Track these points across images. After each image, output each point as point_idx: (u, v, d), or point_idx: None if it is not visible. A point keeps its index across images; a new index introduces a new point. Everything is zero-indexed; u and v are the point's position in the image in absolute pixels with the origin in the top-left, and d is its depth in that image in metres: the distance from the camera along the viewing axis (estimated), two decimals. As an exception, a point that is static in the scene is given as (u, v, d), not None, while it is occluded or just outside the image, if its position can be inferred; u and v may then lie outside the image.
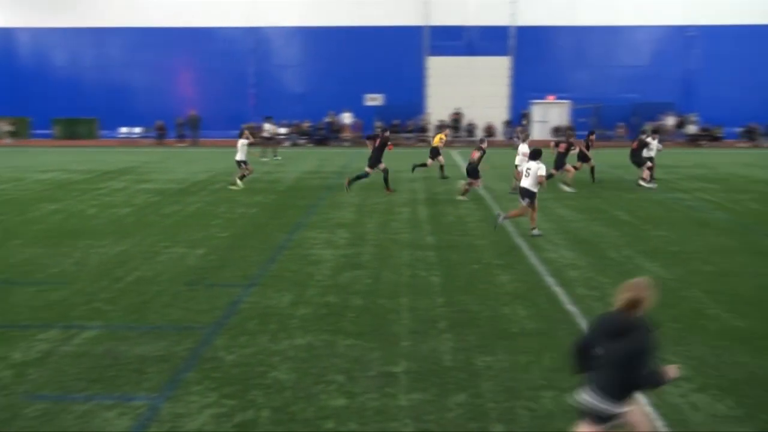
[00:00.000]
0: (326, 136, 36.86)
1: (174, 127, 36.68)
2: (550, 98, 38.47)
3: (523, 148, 16.34)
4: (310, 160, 27.11)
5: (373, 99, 38.51)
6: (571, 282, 9.02)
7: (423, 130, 36.63)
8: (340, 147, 35.36)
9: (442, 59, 37.79)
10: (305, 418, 5.26)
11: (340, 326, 7.29)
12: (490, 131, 36.70)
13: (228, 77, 38.27)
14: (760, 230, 12.51)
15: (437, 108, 37.49)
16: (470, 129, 37.50)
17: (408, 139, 36.89)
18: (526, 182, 12.09)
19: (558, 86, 38.10)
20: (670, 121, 36.53)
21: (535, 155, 12.18)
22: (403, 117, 37.33)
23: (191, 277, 9.29)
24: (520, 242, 11.50)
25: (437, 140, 20.77)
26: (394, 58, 37.62)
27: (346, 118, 37.37)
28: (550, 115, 38.61)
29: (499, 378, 5.95)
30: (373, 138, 18.38)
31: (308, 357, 6.43)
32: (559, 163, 18.00)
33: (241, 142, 18.70)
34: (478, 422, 5.17)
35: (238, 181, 18.47)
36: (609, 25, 37.64)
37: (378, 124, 36.32)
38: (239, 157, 18.62)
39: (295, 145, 35.60)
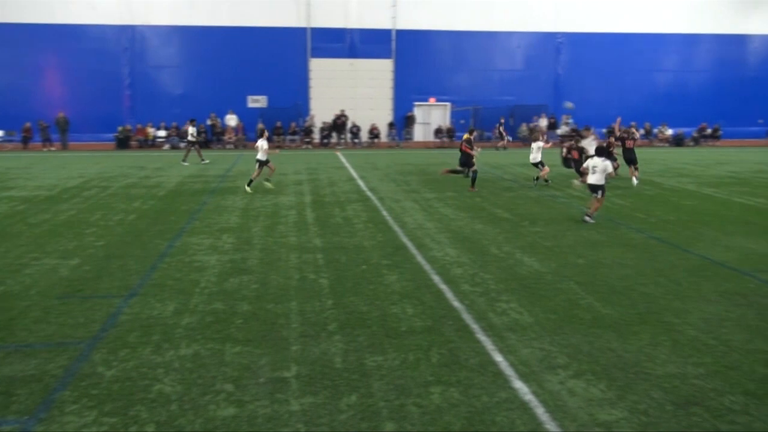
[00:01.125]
0: (208, 138, 35.85)
1: (38, 131, 34.30)
2: (432, 100, 39.51)
3: (537, 145, 19.83)
4: (192, 164, 26.27)
5: (256, 101, 37.92)
6: (455, 279, 9.30)
7: (307, 132, 36.51)
8: (223, 150, 34.54)
9: (325, 61, 37.85)
10: (193, 430, 5.09)
11: (227, 334, 7.12)
12: (374, 133, 37.19)
13: (100, 78, 36.28)
14: (626, 224, 13.46)
15: (321, 110, 37.50)
16: (354, 131, 37.79)
17: (293, 141, 36.67)
18: (593, 178, 13.50)
19: (439, 89, 39.23)
20: (544, 122, 38.59)
21: (601, 152, 13.61)
22: (287, 119, 37.07)
23: (64, 290, 8.75)
24: (407, 242, 11.73)
25: None
26: (277, 59, 37.23)
27: (230, 120, 36.55)
28: (432, 116, 39.66)
29: (390, 377, 6.03)
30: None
31: (195, 367, 6.24)
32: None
33: (261, 143, 18.23)
34: (369, 422, 5.23)
35: (267, 183, 18.70)
36: (485, 31, 39.19)
37: (260, 125, 35.87)
38: (261, 157, 18.13)
39: (174, 148, 34.38)
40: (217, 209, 15.20)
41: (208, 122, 36.21)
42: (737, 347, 6.72)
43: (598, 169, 13.46)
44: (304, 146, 35.76)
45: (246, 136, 36.11)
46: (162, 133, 35.94)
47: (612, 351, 6.62)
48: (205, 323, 7.46)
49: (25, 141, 34.33)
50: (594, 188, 13.61)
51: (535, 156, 19.77)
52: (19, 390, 5.74)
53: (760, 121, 40.65)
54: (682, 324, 7.42)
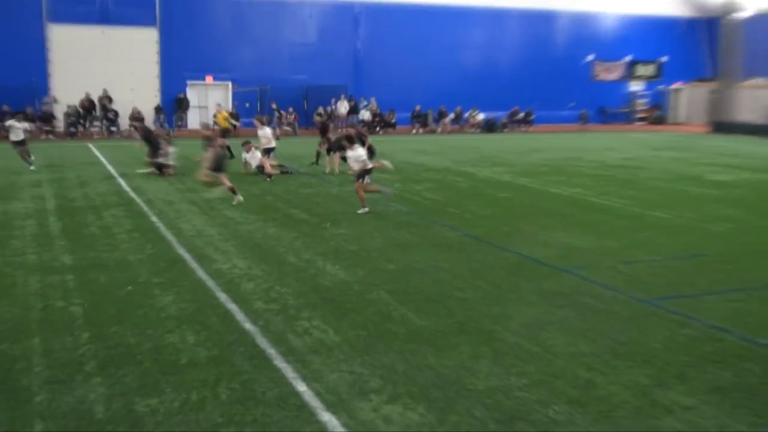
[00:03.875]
0: None
1: None
2: (209, 79, 38.78)
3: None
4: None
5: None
6: (247, 296, 9.20)
7: (47, 118, 34.05)
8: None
9: (70, 28, 35.53)
10: None
11: (-58, 388, 6.40)
12: (136, 118, 35.59)
13: None
14: (439, 222, 14.22)
15: (66, 89, 35.17)
16: (111, 117, 35.92)
17: (28, 131, 33.89)
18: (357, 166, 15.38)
19: (218, 65, 38.59)
20: (344, 106, 39.55)
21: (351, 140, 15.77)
22: (18, 101, 34.12)
23: None
24: (184, 254, 11.38)
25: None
26: (2, 25, 34.23)
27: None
28: (210, 99, 38.89)
29: (168, 423, 5.80)
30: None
31: None
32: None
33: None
34: (144, 483, 4.98)
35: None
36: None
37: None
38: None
39: None
40: None
41: None
42: (560, 352, 7.38)
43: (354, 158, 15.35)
44: (44, 136, 33.29)
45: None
46: None
47: (430, 368, 6.94)
48: None
49: None
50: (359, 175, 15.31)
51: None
52: None
53: (572, 104, 45.12)
54: (503, 331, 7.99)
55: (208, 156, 16.12)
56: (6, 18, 34.42)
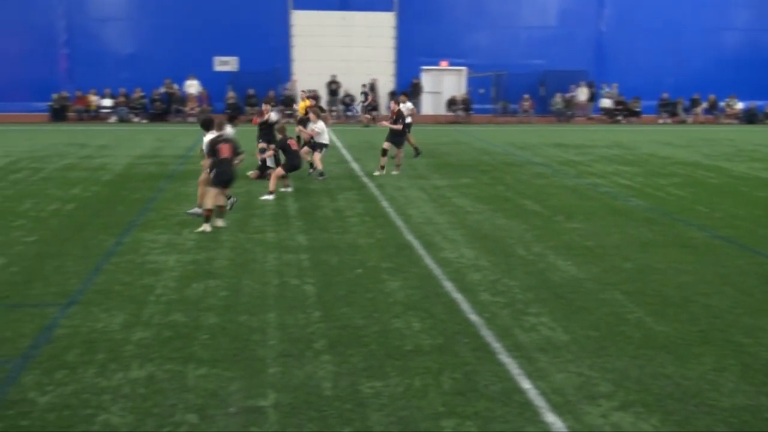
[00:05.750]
0: (165, 109, 35.86)
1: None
2: (444, 64, 39.45)
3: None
4: (145, 140, 26.29)
5: (225, 63, 37.89)
6: (473, 286, 9.31)
7: (288, 102, 36.53)
8: (183, 124, 34.54)
9: (311, 14, 37.80)
10: (147, 471, 5.13)
11: (190, 352, 7.14)
12: (371, 104, 37.10)
13: (29, 33, 36.19)
14: (684, 220, 13.49)
15: (306, 75, 37.43)
16: (347, 102, 37.75)
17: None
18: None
19: (453, 50, 39.17)
20: (583, 93, 38.58)
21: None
22: (263, 86, 36.95)
23: (-13, 297, 8.77)
24: (413, 240, 11.74)
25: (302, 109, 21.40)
26: (250, 11, 37.13)
27: (191, 87, 36.52)
28: (444, 84, 39.60)
29: (391, 407, 6.05)
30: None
31: (149, 393, 6.26)
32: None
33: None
34: (366, 462, 5.25)
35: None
36: (512, -21, 39.17)
37: (230, 94, 35.81)
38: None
39: (123, 121, 34.42)
40: (177, 198, 15.21)
41: (163, 90, 36.20)
42: (822, 373, 6.75)
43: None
44: (284, 120, 35.75)
45: (213, 107, 36.10)
46: (107, 102, 35.91)
47: (667, 377, 6.65)
48: (162, 339, 7.48)
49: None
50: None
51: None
52: (-68, 420, 5.76)
53: None
54: (755, 345, 7.45)
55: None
56: (255, 5, 37.24)
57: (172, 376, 6.59)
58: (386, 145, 18.93)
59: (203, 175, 12.84)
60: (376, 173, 18.46)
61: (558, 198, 15.62)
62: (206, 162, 12.37)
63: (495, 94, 38.26)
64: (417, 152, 21.32)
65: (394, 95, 37.79)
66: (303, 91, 26.92)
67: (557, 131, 32.25)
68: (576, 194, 16.16)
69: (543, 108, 38.36)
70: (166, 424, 5.73)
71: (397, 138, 18.96)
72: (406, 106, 21.52)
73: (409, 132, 20.91)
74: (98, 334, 7.58)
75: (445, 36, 38.83)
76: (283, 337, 7.56)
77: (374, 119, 33.94)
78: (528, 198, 15.56)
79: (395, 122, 18.90)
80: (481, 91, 38.94)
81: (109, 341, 7.40)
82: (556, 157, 22.45)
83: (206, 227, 11.99)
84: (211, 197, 12.07)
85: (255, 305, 8.54)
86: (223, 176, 12.18)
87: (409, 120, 21.15)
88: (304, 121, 18.77)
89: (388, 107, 37.34)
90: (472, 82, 39.56)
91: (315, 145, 17.83)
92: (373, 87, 36.78)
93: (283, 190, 15.73)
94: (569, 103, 38.23)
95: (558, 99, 38.37)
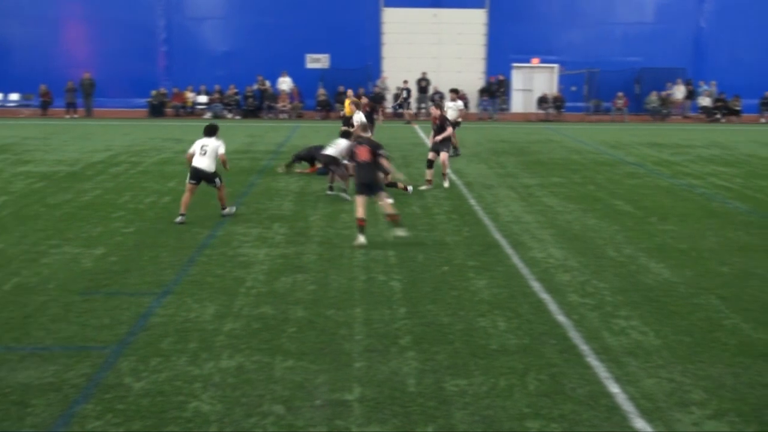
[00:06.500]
0: (258, 106, 36.57)
1: (62, 94, 35.80)
2: (535, 61, 38.93)
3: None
4: (238, 136, 26.89)
5: (316, 60, 38.36)
6: (561, 287, 9.20)
7: (378, 99, 36.69)
8: (275, 120, 35.18)
9: (402, 11, 37.85)
10: (235, 458, 5.25)
11: (278, 344, 7.29)
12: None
13: (131, 31, 37.44)
14: (786, 224, 12.97)
15: (396, 72, 37.53)
16: (437, 99, 37.62)
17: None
18: None
19: (545, 47, 38.57)
20: (680, 91, 37.40)
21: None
22: (353, 83, 37.22)
23: (87, 284, 9.14)
24: (500, 239, 11.66)
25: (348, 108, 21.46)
26: (342, 9, 37.48)
27: (283, 83, 37.13)
28: (534, 82, 39.10)
29: (475, 405, 6.03)
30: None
31: (238, 383, 6.41)
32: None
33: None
34: (449, 460, 5.25)
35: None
36: (607, -26, 38.32)
37: (321, 91, 36.22)
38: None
39: (217, 117, 35.28)
40: (267, 192, 15.52)
41: (256, 87, 36.93)
42: None
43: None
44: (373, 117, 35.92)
45: (303, 104, 36.61)
46: (203, 98, 36.86)
47: (765, 387, 6.41)
48: (251, 330, 7.65)
49: (44, 106, 35.88)
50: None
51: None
52: (35, 400, 6.05)
53: None
54: None
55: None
56: (347, 3, 37.56)
57: (260, 367, 6.74)
58: (431, 155, 16.40)
59: None
60: (423, 188, 15.92)
61: (651, 199, 15.23)
62: (350, 167, 11.92)
63: (587, 92, 37.53)
64: (456, 152, 20.55)
65: (483, 92, 37.53)
66: (350, 89, 26.60)
67: (652, 130, 31.40)
68: (670, 195, 15.72)
69: (637, 106, 37.35)
70: (254, 414, 5.86)
71: (442, 144, 16.37)
72: (456, 105, 21.23)
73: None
74: (191, 324, 7.82)
75: (536, 33, 38.26)
76: (369, 332, 7.63)
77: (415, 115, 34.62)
78: (620, 198, 15.22)
79: (441, 129, 16.28)
80: (573, 88, 38.25)
81: (201, 331, 7.62)
82: (650, 156, 21.88)
83: (359, 239, 11.12)
84: (358, 206, 11.17)
85: (342, 300, 8.64)
86: (361, 180, 11.34)
87: (459, 119, 20.91)
88: (347, 121, 19.66)
89: (479, 105, 37.15)
90: (564, 80, 38.90)
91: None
92: (409, 90, 36.57)
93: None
94: (665, 102, 37.10)
95: (653, 97, 37.29)
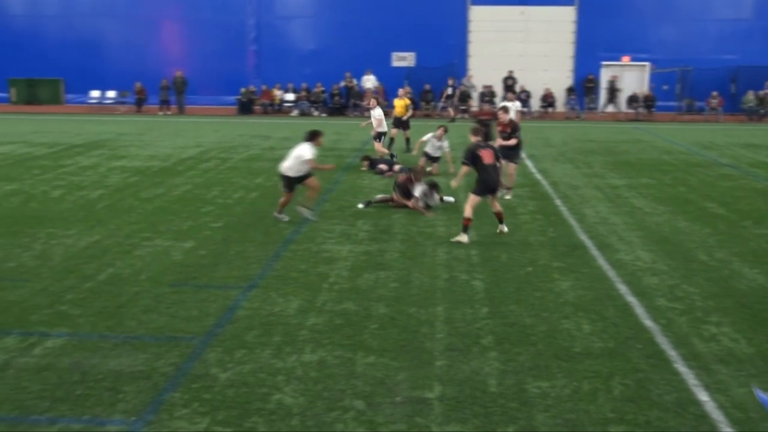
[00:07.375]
0: (344, 104, 36.90)
1: (156, 91, 36.97)
2: (625, 59, 38.05)
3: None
4: (324, 133, 27.15)
5: (402, 59, 38.44)
6: (649, 291, 9.00)
7: (464, 97, 36.53)
8: (360, 117, 35.41)
9: (489, 9, 37.55)
10: (316, 451, 5.33)
11: (359, 340, 7.36)
12: (548, 100, 36.43)
13: (222, 31, 38.35)
14: None
15: (482, 70, 37.28)
16: (523, 98, 37.23)
17: (443, 109, 36.80)
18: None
19: (635, 45, 37.65)
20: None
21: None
22: (439, 81, 37.16)
23: (177, 276, 9.42)
24: (586, 240, 11.47)
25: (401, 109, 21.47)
26: (429, 7, 37.45)
27: (367, 81, 37.35)
28: (624, 80, 38.20)
29: (558, 408, 5.96)
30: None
31: (320, 377, 6.50)
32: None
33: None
34: (530, 462, 5.20)
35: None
36: (702, -31, 37.16)
37: (406, 89, 36.31)
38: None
39: (304, 114, 35.78)
40: (352, 190, 15.66)
41: (343, 84, 37.26)
42: None
43: None
44: (459, 115, 35.80)
45: (387, 102, 36.76)
46: (290, 96, 37.41)
47: None
48: (334, 326, 7.74)
49: (139, 103, 37.12)
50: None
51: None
52: (127, 387, 6.28)
53: None
54: None
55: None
56: (434, 1, 37.51)
57: (342, 362, 6.82)
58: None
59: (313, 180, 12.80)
60: (507, 197, 14.70)
61: (746, 201, 14.70)
62: (464, 170, 11.75)
63: (680, 91, 36.45)
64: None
65: (571, 91, 36.89)
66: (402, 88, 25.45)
67: (748, 131, 30.28)
68: (766, 198, 15.14)
69: (733, 106, 36.06)
70: (335, 408, 5.93)
71: (511, 152, 14.79)
72: (513, 105, 19.70)
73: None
74: (275, 318, 7.96)
75: (627, 30, 37.37)
76: (451, 331, 7.63)
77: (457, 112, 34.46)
78: (713, 201, 14.75)
79: (510, 136, 14.84)
80: (665, 87, 37.21)
81: (285, 325, 7.75)
82: (746, 158, 21.11)
83: (463, 237, 11.24)
84: (470, 205, 11.25)
85: (424, 298, 8.65)
86: (489, 183, 11.38)
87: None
88: (398, 123, 19.88)
89: (567, 104, 36.56)
90: (655, 78, 37.89)
91: (378, 135, 19.74)
92: (454, 88, 36.11)
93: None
94: (763, 101, 35.73)
95: (750, 96, 35.94)
